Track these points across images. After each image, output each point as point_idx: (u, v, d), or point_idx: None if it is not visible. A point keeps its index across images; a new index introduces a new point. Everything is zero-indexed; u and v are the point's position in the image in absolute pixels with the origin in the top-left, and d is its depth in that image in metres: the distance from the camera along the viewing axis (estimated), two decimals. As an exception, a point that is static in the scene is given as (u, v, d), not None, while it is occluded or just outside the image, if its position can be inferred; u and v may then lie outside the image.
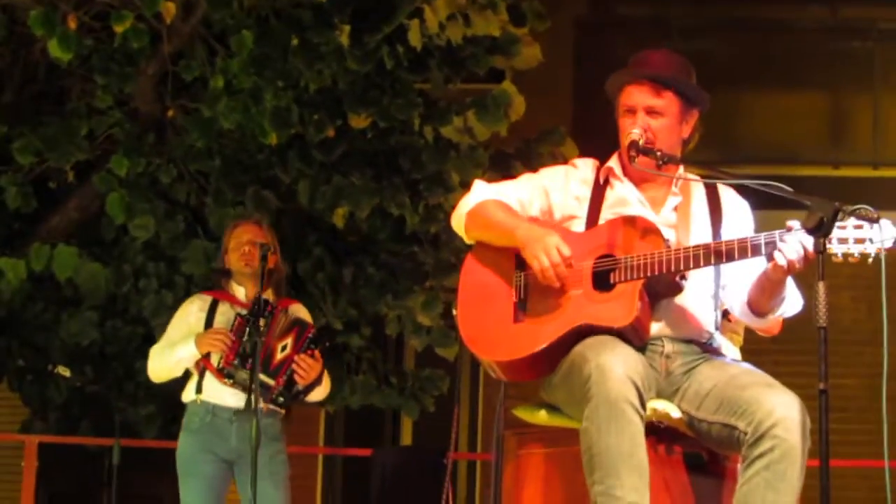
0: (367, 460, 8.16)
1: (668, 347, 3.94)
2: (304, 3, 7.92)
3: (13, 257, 8.24)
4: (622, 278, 3.86)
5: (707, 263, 3.79)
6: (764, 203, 4.08)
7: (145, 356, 8.29)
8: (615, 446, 3.59)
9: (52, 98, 8.96)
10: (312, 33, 7.88)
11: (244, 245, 6.09)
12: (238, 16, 7.95)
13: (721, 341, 4.07)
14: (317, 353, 6.03)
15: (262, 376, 5.86)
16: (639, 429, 3.63)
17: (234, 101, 7.91)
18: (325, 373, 6.23)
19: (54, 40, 7.79)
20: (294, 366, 5.94)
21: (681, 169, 4.13)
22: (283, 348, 6.01)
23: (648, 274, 3.83)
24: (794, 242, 3.60)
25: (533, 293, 4.03)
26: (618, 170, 4.12)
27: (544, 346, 3.88)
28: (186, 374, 6.20)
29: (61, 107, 8.75)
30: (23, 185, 8.48)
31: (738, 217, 4.09)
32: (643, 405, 3.64)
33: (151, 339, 8.09)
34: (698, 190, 4.14)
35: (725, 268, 3.99)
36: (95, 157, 8.53)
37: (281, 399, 5.96)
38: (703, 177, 4.19)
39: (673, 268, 3.81)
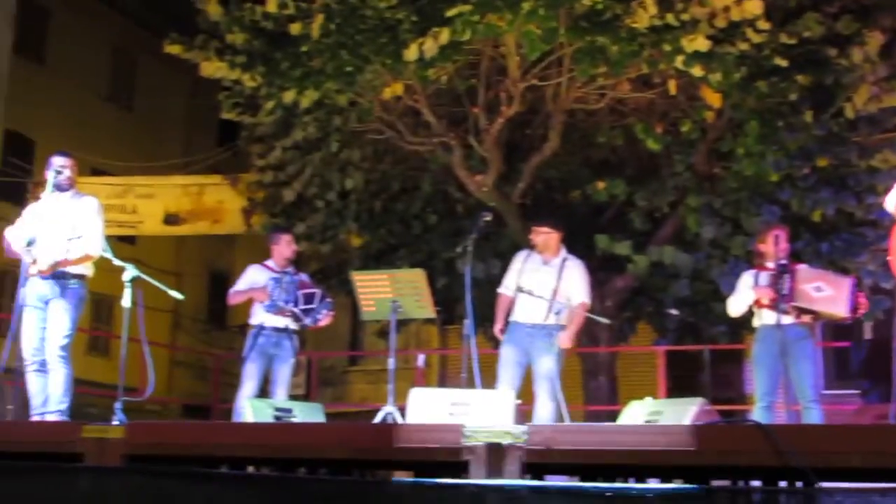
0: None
1: None
2: (785, 101, 9.10)
3: (640, 254, 10.00)
4: None
5: None
6: None
7: (718, 300, 9.38)
8: None
9: (650, 169, 10.42)
10: (792, 118, 9.20)
11: (782, 244, 6.78)
12: (748, 114, 9.27)
13: None
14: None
15: None
16: None
17: (748, 162, 9.25)
18: None
19: (650, 139, 9.49)
20: None
21: None
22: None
23: None
24: None
25: None
26: None
27: None
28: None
29: (656, 171, 10.35)
30: (643, 219, 10.14)
31: None
32: None
33: (718, 293, 9.35)
34: None
35: None
36: (678, 196, 10.11)
37: None
38: None
39: None
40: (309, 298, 7.89)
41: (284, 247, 8.02)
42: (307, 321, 7.90)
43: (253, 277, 7.96)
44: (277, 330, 7.84)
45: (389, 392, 7.15)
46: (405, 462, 5.11)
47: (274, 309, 7.76)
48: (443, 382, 16.60)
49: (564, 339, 7.18)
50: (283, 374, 7.78)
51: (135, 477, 4.31)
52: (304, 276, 8.08)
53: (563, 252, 7.51)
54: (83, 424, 4.74)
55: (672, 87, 9.02)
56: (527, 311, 7.37)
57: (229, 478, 4.42)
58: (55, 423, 5.80)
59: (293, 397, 12.22)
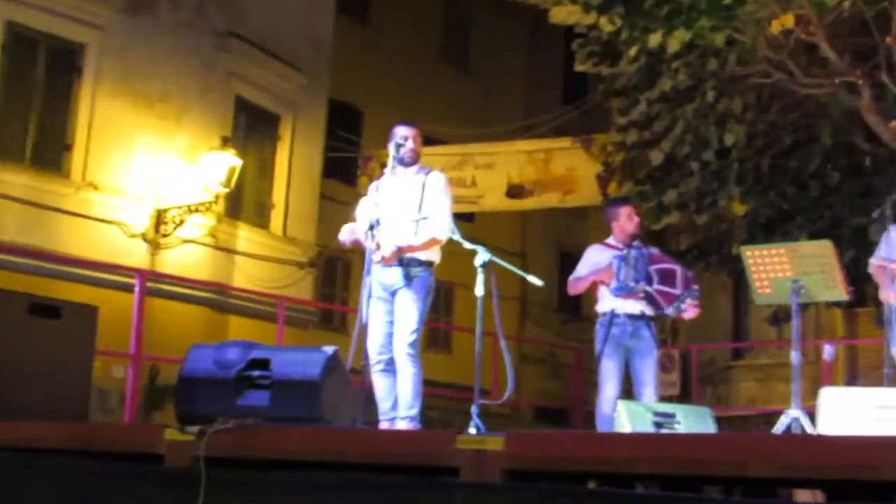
0: None
1: None
2: None
3: None
4: None
5: None
6: None
7: None
8: None
9: None
10: None
11: None
12: None
13: None
14: None
15: None
16: None
17: None
18: None
19: None
20: None
21: None
22: None
23: None
24: None
25: None
26: None
27: None
28: None
29: None
30: None
31: None
32: None
33: None
34: None
35: None
36: None
37: None
38: None
39: None
40: (667, 278, 7.83)
41: (625, 220, 8.05)
42: (669, 311, 7.85)
43: (594, 258, 8.03)
44: (632, 317, 7.82)
45: (794, 393, 6.99)
46: (815, 481, 4.88)
47: (623, 291, 7.76)
48: (852, 380, 16.07)
49: None
50: (648, 371, 7.77)
51: (519, 496, 4.37)
52: (654, 250, 8.07)
53: None
54: (457, 434, 4.87)
55: None
56: None
57: (623, 498, 4.41)
58: (424, 433, 6.02)
59: (667, 399, 12.25)
